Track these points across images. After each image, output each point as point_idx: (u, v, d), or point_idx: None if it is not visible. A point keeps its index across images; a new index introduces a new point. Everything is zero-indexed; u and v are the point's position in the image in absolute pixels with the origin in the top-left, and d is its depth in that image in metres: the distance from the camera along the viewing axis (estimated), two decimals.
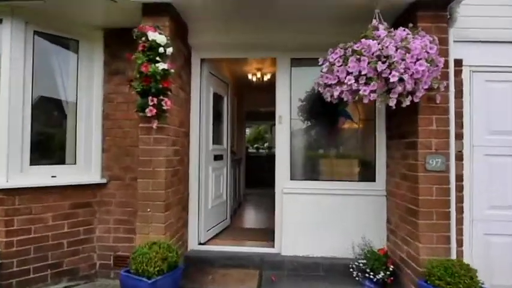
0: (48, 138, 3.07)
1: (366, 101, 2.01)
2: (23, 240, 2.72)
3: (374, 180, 3.06)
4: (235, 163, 5.03)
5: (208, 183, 3.46)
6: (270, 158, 9.58)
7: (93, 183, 3.09)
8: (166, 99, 2.41)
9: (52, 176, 2.92)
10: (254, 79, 5.15)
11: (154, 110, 2.38)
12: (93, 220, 3.11)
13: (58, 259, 2.90)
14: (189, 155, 3.21)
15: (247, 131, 11.12)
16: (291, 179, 3.11)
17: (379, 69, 1.90)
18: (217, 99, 3.81)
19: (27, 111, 2.79)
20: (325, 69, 2.17)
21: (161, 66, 2.33)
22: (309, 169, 3.18)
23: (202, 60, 3.29)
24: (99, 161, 3.15)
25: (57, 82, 3.06)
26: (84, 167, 3.11)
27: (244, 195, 6.83)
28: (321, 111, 3.11)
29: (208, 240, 3.40)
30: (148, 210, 2.50)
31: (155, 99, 2.36)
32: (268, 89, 6.71)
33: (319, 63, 2.24)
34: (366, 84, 1.98)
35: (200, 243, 3.25)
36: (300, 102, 3.19)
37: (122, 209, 3.09)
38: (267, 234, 3.62)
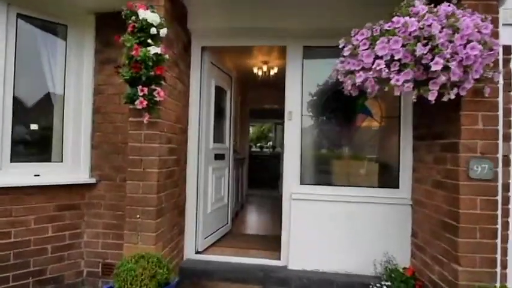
0: (32, 133, 2.74)
1: (397, 92, 1.64)
2: (1, 245, 2.39)
3: (397, 187, 2.68)
4: (237, 163, 4.67)
5: (207, 186, 3.10)
6: (274, 158, 9.25)
7: (81, 183, 2.75)
8: (159, 89, 2.05)
9: (35, 175, 2.59)
10: (260, 73, 4.77)
11: (145, 102, 2.02)
12: (81, 224, 2.77)
13: (41, 266, 2.57)
14: (187, 154, 2.85)
15: (250, 129, 10.78)
16: (300, 183, 2.75)
17: (417, 53, 1.53)
18: (220, 93, 3.45)
19: (8, 102, 2.46)
20: (346, 53, 1.79)
21: (153, 50, 1.97)
22: (322, 172, 2.81)
23: (203, 49, 2.93)
24: (88, 159, 2.81)
25: (43, 71, 2.73)
26: (72, 165, 2.77)
27: (247, 196, 6.47)
28: (337, 107, 2.74)
29: (207, 248, 3.05)
30: (138, 216, 2.16)
31: (146, 89, 2.01)
32: (274, 84, 6.36)
33: (340, 46, 1.86)
34: (398, 71, 1.60)
35: (198, 252, 2.90)
36: (312, 96, 2.82)
37: (112, 213, 2.75)
38: (271, 242, 3.26)
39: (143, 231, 2.14)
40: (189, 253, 2.84)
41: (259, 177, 8.39)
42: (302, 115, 2.76)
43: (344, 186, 2.72)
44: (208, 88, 3.05)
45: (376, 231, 2.60)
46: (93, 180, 2.77)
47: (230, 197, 3.74)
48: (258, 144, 10.89)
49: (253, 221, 4.53)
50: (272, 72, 4.81)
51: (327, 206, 2.64)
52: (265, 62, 4.61)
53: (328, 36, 2.40)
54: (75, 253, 2.75)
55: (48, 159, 2.75)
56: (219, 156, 3.38)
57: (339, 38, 1.88)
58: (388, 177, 2.75)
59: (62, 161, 2.76)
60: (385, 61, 1.62)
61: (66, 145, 2.77)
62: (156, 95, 2.04)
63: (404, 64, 1.59)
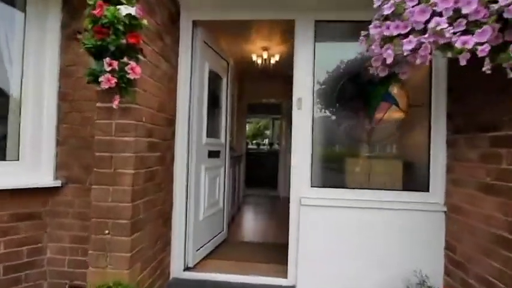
0: None
1: (462, 61, 1.16)
2: None
3: (426, 190, 2.22)
4: (234, 161, 4.17)
5: (200, 188, 2.60)
6: (272, 155, 8.76)
7: (44, 186, 2.21)
8: (133, 63, 1.54)
9: None
10: (259, 61, 4.27)
11: (114, 80, 1.50)
12: (43, 237, 2.24)
13: None
14: (174, 150, 2.34)
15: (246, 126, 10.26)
16: (311, 186, 2.26)
17: (497, 6, 1.05)
18: (214, 79, 2.94)
19: None
20: (387, 11, 1.30)
21: (125, 10, 1.45)
22: (336, 173, 2.34)
23: (195, 24, 2.41)
24: (52, 157, 2.27)
25: None
26: (32, 164, 2.23)
27: (244, 197, 5.98)
28: (356, 94, 2.27)
29: (200, 262, 2.55)
30: (107, 232, 1.64)
31: (115, 63, 1.49)
32: (274, 75, 5.86)
33: (376, 4, 1.37)
34: (465, 32, 1.12)
35: (187, 268, 2.40)
36: (324, 82, 2.33)
37: (81, 223, 2.23)
38: (275, 252, 2.78)
39: (114, 251, 1.63)
40: (176, 271, 2.34)
41: (257, 175, 7.90)
42: (314, 103, 2.28)
43: (363, 189, 2.24)
44: (200, 72, 2.54)
45: (402, 244, 2.13)
46: (58, 183, 2.24)
47: (226, 200, 3.24)
48: (255, 141, 10.40)
49: (252, 226, 4.05)
50: (273, 61, 4.31)
51: (343, 213, 2.17)
52: (265, 48, 4.10)
53: (347, 7, 1.92)
54: (36, 273, 2.21)
55: (1, 157, 2.21)
56: (213, 154, 2.87)
57: (362, 9, 1.41)
58: (415, 178, 2.29)
59: (18, 159, 2.22)
60: (446, 18, 1.15)
61: (23, 139, 2.22)
62: (129, 71, 1.52)
63: (475, 22, 1.12)
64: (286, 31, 3.59)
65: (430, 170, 2.23)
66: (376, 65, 1.65)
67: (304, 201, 2.20)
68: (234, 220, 4.12)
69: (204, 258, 2.67)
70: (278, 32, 3.67)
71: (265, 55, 4.13)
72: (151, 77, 1.85)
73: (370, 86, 2.27)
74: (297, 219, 2.25)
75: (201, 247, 2.63)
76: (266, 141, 10.54)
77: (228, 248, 3.03)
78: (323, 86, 2.33)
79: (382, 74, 1.66)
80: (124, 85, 1.55)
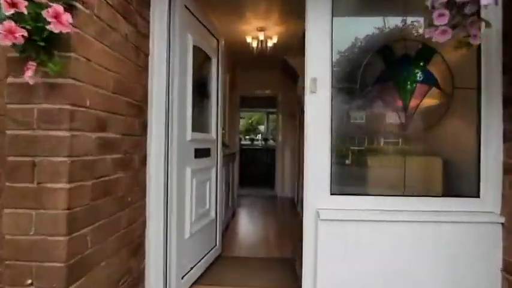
0: None
1: None
2: None
3: (476, 195, 1.68)
4: (228, 160, 3.56)
5: (184, 197, 1.99)
6: (267, 152, 8.17)
7: None
8: (57, 6, 0.90)
9: None
10: (254, 44, 3.64)
11: (22, 32, 0.87)
12: None
13: None
14: (146, 149, 1.72)
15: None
16: (331, 193, 1.67)
17: None
18: (201, 58, 2.31)
19: None
20: None
21: None
22: (362, 176, 1.76)
23: None
24: None
25: None
26: None
27: (238, 198, 5.39)
28: (386, 75, 1.68)
29: None
30: (29, 282, 1.02)
31: (21, 2, 0.85)
32: (270, 63, 5.25)
33: None
34: None
35: None
36: (345, 59, 1.74)
37: None
38: (280, 270, 2.21)
39: None
40: None
41: (251, 173, 7.31)
42: (332, 86, 1.68)
43: (396, 196, 1.67)
44: (182, 46, 1.90)
45: (446, 265, 1.59)
46: None
47: (219, 207, 2.63)
48: (248, 137, 9.78)
49: (250, 235, 3.46)
50: (270, 43, 3.69)
51: (374, 229, 1.60)
52: (262, 29, 3.47)
53: None
54: None
55: None
56: (202, 152, 2.26)
57: None
58: (461, 181, 1.75)
59: None
60: None
61: None
62: (51, 19, 0.89)
63: None
64: (287, 8, 2.99)
65: (481, 170, 1.69)
66: (440, 22, 1.10)
67: (323, 214, 1.61)
68: (228, 228, 3.53)
69: (194, 284, 2.07)
70: (277, 9, 3.06)
71: (261, 36, 3.51)
72: (100, 40, 1.21)
73: (404, 64, 1.69)
74: (313, 238, 1.67)
75: (189, 271, 2.03)
76: (259, 136, 9.93)
77: (222, 267, 2.44)
78: (343, 65, 1.74)
79: (443, 39, 1.11)
80: (43, 44, 0.92)
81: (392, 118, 1.72)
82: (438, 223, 1.61)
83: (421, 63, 1.70)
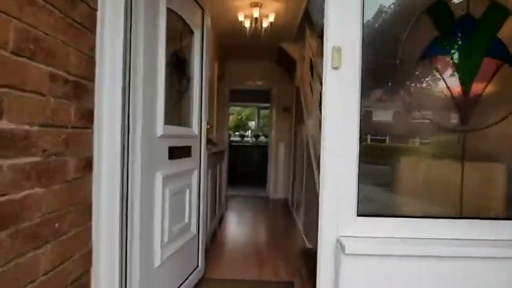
0: None
1: None
2: None
3: None
4: (215, 160, 3.03)
5: (152, 213, 1.46)
6: (259, 149, 7.63)
7: None
8: None
9: None
10: (247, 24, 3.10)
11: None
12: None
13: None
14: (92, 149, 1.16)
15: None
16: (358, 214, 1.17)
17: None
18: (180, 28, 1.76)
19: None
20: None
21: None
22: (402, 189, 1.28)
23: None
24: None
25: None
26: None
27: (227, 200, 4.88)
28: (438, 44, 1.17)
29: None
30: None
31: None
32: (264, 50, 4.68)
33: None
34: None
35: None
36: (382, 23, 1.24)
37: None
38: None
39: None
40: None
41: (241, 172, 6.81)
42: (363, 60, 1.18)
43: (449, 218, 1.20)
44: (148, 7, 1.35)
45: None
46: None
47: (202, 220, 2.10)
48: (237, 133, 9.23)
49: (240, 249, 2.95)
50: (266, 23, 3.15)
51: (423, 268, 1.12)
52: (257, 4, 2.93)
53: None
54: None
55: None
56: (179, 152, 1.72)
57: None
58: None
59: None
60: None
61: None
62: None
63: None
64: None
65: None
66: None
67: (349, 246, 1.11)
68: (215, 238, 3.00)
69: None
70: None
71: (256, 13, 2.96)
72: None
73: (465, 30, 1.21)
74: (332, 278, 1.17)
75: None
76: (249, 132, 9.40)
77: None
78: (378, 32, 1.24)
79: None
80: None
81: (444, 108, 1.23)
82: (504, 259, 1.14)
83: (490, 30, 1.21)
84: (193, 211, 1.94)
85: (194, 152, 1.93)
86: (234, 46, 4.30)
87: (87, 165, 1.13)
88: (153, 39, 1.42)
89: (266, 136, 7.79)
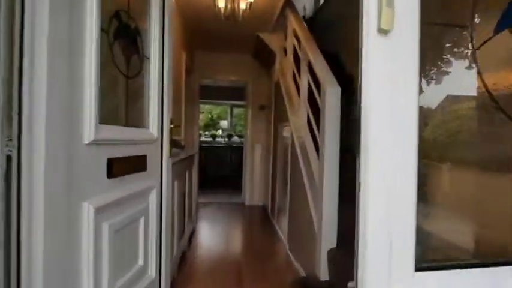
0: None
1: None
2: None
3: None
4: (183, 167, 2.46)
5: (77, 267, 0.88)
6: (234, 150, 7.04)
7: None
8: None
9: None
10: (222, 3, 2.55)
11: None
12: None
13: None
14: None
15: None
16: (417, 268, 0.73)
17: None
18: None
19: None
20: None
21: None
22: (479, 223, 0.86)
23: None
24: None
25: None
26: None
27: (198, 209, 4.29)
28: None
29: None
30: None
31: None
32: (238, 42, 4.11)
33: None
34: None
35: None
36: None
37: None
38: None
39: None
40: None
41: (213, 176, 6.24)
42: (422, 22, 0.73)
43: None
44: None
45: None
46: None
47: (165, 255, 1.53)
48: (208, 132, 8.58)
49: (218, 273, 2.40)
50: (244, 5, 2.63)
51: None
52: None
53: None
54: None
55: None
56: (126, 165, 1.14)
57: None
58: None
59: None
60: None
61: None
62: None
63: None
64: None
65: None
66: None
67: None
68: (184, 263, 2.42)
69: None
70: None
71: None
72: None
73: None
74: None
75: None
76: (219, 131, 8.81)
77: None
78: None
79: None
80: None
81: None
82: None
83: None
84: (152, 246, 1.37)
85: (152, 162, 1.36)
86: (205, 33, 3.73)
87: None
88: None
89: (240, 136, 7.27)
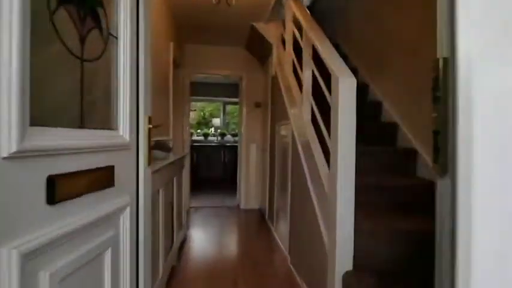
0: None
1: None
2: None
3: None
4: (171, 172, 2.13)
5: None
6: (228, 150, 6.63)
7: None
8: None
9: None
10: None
11: None
12: None
13: None
14: None
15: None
16: None
17: None
18: None
19: None
20: None
21: None
22: None
23: None
24: None
25: None
26: None
27: (189, 214, 3.98)
28: None
29: None
30: None
31: None
32: (231, 33, 3.75)
33: None
34: None
35: None
36: None
37: None
38: None
39: None
40: None
41: (205, 177, 5.92)
42: None
43: None
44: None
45: None
46: None
47: None
48: (200, 130, 8.22)
49: None
50: None
51: None
52: None
53: None
54: None
55: None
56: (80, 182, 0.82)
57: None
58: None
59: None
60: None
61: None
62: None
63: None
64: None
65: None
66: None
67: None
68: (173, 279, 2.10)
69: None
70: None
71: None
72: None
73: None
74: None
75: None
76: (212, 130, 8.46)
77: None
78: None
79: None
80: None
81: None
82: None
83: None
84: (125, 282, 1.04)
85: (123, 174, 1.03)
86: (195, 23, 3.39)
87: None
88: None
89: (233, 135, 6.95)
